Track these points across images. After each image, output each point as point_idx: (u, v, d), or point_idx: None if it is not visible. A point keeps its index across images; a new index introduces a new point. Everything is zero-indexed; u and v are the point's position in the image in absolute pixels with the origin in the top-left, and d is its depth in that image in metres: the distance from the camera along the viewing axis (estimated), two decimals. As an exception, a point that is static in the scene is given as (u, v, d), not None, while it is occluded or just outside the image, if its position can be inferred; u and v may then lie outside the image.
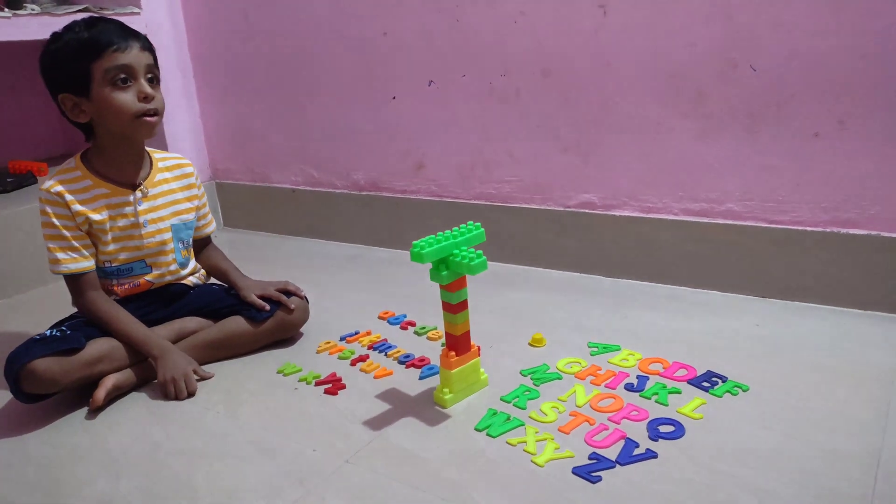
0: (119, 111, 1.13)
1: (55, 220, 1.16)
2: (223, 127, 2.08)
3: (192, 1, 1.99)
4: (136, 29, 1.18)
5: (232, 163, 2.11)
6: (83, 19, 1.16)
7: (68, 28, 1.14)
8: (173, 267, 1.28)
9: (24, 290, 1.68)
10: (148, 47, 1.17)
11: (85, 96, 1.14)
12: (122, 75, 1.13)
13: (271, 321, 1.27)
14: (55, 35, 1.15)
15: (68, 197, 1.16)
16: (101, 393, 1.10)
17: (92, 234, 1.20)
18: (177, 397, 1.13)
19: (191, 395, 1.14)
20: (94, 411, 1.11)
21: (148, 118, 1.15)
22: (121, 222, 1.21)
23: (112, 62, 1.12)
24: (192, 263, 1.33)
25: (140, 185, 1.23)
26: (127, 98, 1.13)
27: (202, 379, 1.18)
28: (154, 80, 1.17)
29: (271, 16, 1.85)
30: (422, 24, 1.61)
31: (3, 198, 1.77)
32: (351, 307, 1.45)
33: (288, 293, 1.30)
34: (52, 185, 1.17)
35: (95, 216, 1.18)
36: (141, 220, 1.22)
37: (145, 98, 1.14)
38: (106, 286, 1.23)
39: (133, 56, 1.13)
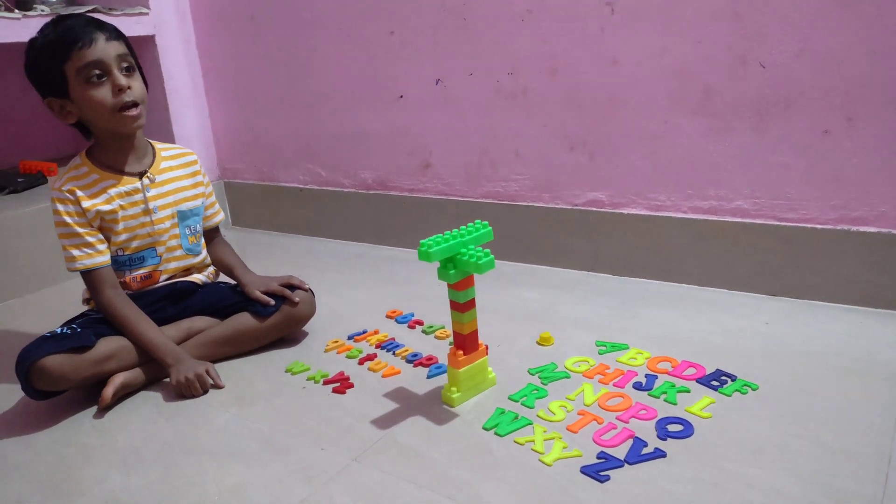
0: (97, 108, 1.14)
1: (67, 218, 1.17)
2: (231, 126, 2.09)
3: (201, 1, 1.99)
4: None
5: (240, 162, 2.11)
6: (52, 19, 1.16)
7: (40, 31, 1.15)
8: (179, 253, 1.28)
9: (36, 289, 1.69)
10: (116, 37, 1.16)
11: (67, 97, 1.15)
12: (96, 71, 1.12)
13: (277, 315, 1.27)
14: (31, 41, 1.16)
15: (79, 193, 1.17)
16: (109, 391, 1.11)
17: (104, 228, 1.20)
18: (192, 395, 1.14)
19: (205, 392, 1.15)
20: (103, 410, 1.12)
21: (128, 112, 1.15)
22: (131, 210, 1.22)
23: (80, 61, 1.12)
24: (205, 253, 1.34)
25: (146, 172, 1.24)
26: (102, 93, 1.13)
27: (215, 386, 1.17)
28: (130, 69, 1.16)
29: (279, 15, 1.86)
30: (429, 23, 1.61)
31: (14, 198, 1.79)
32: (359, 306, 1.46)
33: (292, 287, 1.30)
34: (62, 183, 1.18)
35: (106, 207, 1.19)
36: (151, 206, 1.23)
37: (120, 90, 1.14)
38: (119, 278, 1.23)
39: (99, 50, 1.12)
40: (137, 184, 1.22)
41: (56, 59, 1.12)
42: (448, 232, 1.00)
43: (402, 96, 1.72)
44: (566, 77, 1.47)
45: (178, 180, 1.28)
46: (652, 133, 1.40)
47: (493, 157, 1.62)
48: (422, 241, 0.97)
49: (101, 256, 1.19)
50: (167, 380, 1.17)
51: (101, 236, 1.20)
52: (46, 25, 1.15)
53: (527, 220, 1.60)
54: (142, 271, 1.25)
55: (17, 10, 1.65)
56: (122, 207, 1.21)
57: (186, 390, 1.13)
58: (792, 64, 1.23)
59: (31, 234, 1.67)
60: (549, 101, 1.50)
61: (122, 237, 1.22)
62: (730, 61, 1.29)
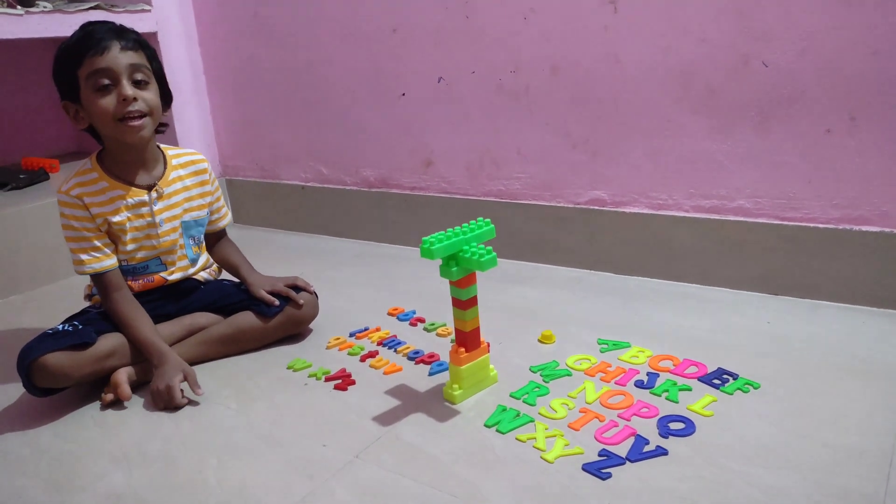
0: (100, 115, 1.13)
1: (74, 223, 1.17)
2: (233, 124, 2.09)
3: (203, -2, 2.00)
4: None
5: (242, 160, 2.11)
6: (82, 24, 1.16)
7: (71, 35, 1.15)
8: (185, 263, 1.28)
9: (37, 285, 1.69)
10: (132, 47, 1.14)
11: (79, 103, 1.15)
12: (105, 80, 1.11)
13: (281, 316, 1.27)
14: (60, 44, 1.16)
15: (87, 199, 1.17)
16: (127, 390, 1.11)
17: (111, 234, 1.20)
18: (163, 407, 1.10)
19: (175, 408, 1.09)
20: (109, 405, 1.12)
21: (131, 122, 1.13)
22: (138, 223, 1.21)
23: (90, 67, 1.11)
24: (203, 259, 1.33)
25: (155, 184, 1.23)
26: (106, 102, 1.12)
27: (190, 397, 1.12)
28: (143, 82, 1.14)
29: (281, 13, 1.86)
30: (431, 21, 1.61)
31: (15, 194, 1.79)
32: (360, 304, 1.46)
33: (297, 288, 1.30)
34: (70, 187, 1.17)
35: (114, 217, 1.18)
36: (157, 219, 1.22)
37: (124, 100, 1.12)
38: None
39: (111, 59, 1.11)
40: (145, 196, 1.21)
41: (71, 63, 1.12)
42: (450, 229, 1.00)
43: (404, 94, 1.72)
44: (569, 75, 1.46)
45: (186, 190, 1.27)
46: (654, 132, 1.40)
47: (495, 155, 1.62)
48: (424, 238, 0.97)
49: (108, 259, 1.19)
50: None
51: (108, 240, 1.20)
52: (77, 29, 1.15)
53: (529, 218, 1.60)
54: (145, 278, 1.25)
55: (19, 7, 1.64)
56: (129, 219, 1.20)
57: (158, 399, 1.11)
58: (795, 63, 1.23)
59: (33, 231, 1.67)
60: (551, 99, 1.50)
61: (129, 247, 1.21)
62: (733, 60, 1.28)
